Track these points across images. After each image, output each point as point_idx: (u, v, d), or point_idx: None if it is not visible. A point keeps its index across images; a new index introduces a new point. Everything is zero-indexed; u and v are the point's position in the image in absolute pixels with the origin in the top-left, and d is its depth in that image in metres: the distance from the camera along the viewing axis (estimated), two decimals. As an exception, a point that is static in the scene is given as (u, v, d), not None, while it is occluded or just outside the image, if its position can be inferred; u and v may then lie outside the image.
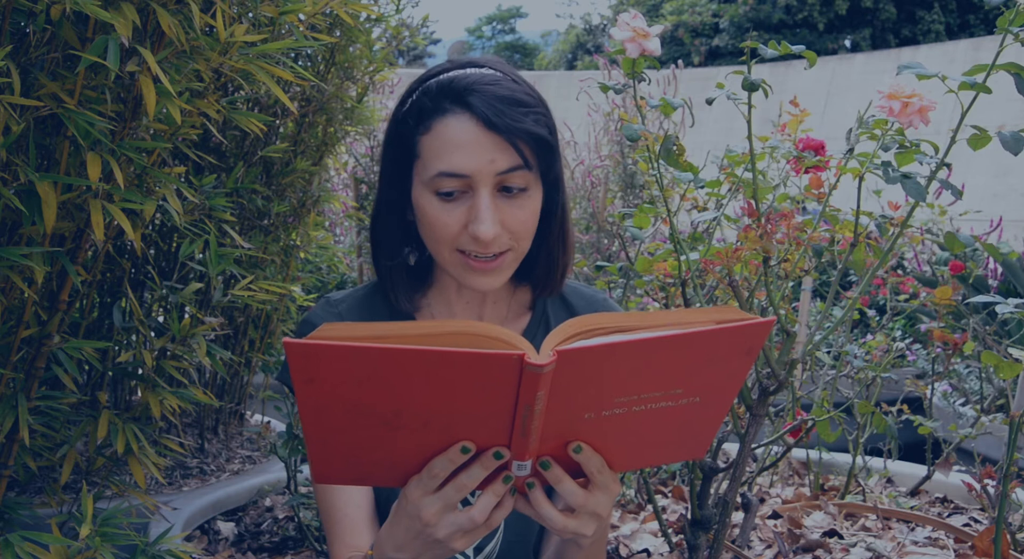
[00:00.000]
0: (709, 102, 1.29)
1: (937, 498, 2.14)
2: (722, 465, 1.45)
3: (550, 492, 0.85)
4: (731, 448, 2.20)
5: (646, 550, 1.78)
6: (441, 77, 1.00)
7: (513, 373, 0.70)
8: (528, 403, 0.72)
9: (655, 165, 1.36)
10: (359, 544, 1.04)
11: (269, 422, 2.42)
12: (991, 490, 1.73)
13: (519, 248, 1.01)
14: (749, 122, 1.28)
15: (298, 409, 0.74)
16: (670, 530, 1.78)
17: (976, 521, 1.93)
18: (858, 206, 1.30)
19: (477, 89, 0.96)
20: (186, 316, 1.44)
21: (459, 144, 0.95)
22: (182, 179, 1.55)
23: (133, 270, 1.86)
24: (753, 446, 1.43)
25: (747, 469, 1.72)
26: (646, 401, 0.77)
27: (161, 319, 1.80)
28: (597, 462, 0.81)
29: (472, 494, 0.82)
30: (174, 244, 1.96)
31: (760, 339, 0.77)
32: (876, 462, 2.28)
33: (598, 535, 0.89)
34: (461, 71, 0.99)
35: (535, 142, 0.97)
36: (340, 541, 1.05)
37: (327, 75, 2.06)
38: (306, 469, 1.91)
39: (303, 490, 1.89)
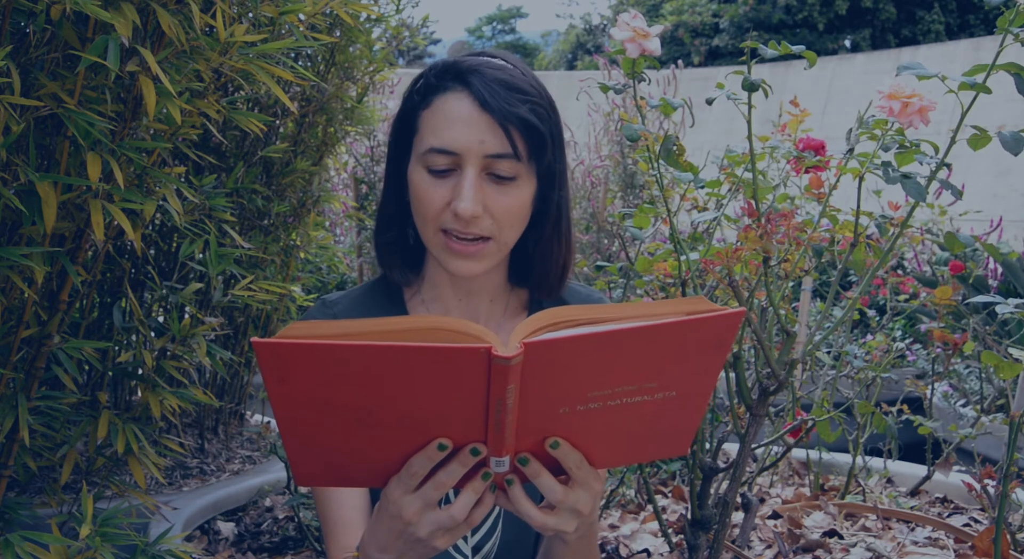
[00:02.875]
0: (709, 102, 1.29)
1: (937, 498, 2.14)
2: (722, 465, 1.46)
3: (538, 493, 0.85)
4: (731, 448, 2.20)
5: (646, 550, 1.78)
6: (450, 59, 1.03)
7: (481, 367, 0.70)
8: (500, 397, 0.71)
9: (655, 165, 1.36)
10: (355, 544, 1.04)
11: (269, 422, 2.42)
12: (991, 490, 1.73)
13: (502, 238, 1.01)
14: (749, 122, 1.28)
15: (273, 411, 0.74)
16: (670, 530, 1.79)
17: (976, 521, 1.93)
18: (858, 206, 1.30)
19: (479, 70, 0.99)
20: (186, 316, 1.44)
21: (453, 121, 0.97)
22: (182, 179, 1.55)
23: (133, 270, 1.86)
24: (753, 446, 1.43)
25: (747, 469, 1.72)
26: (621, 395, 0.77)
27: (161, 319, 1.80)
28: (575, 458, 0.81)
29: (454, 492, 0.82)
30: (174, 244, 1.96)
31: (731, 331, 0.77)
32: (876, 462, 2.28)
33: (583, 531, 0.89)
34: (472, 57, 1.02)
35: (527, 130, 0.98)
36: (335, 542, 1.05)
37: (327, 75, 2.06)
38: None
39: (303, 490, 1.89)
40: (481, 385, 0.71)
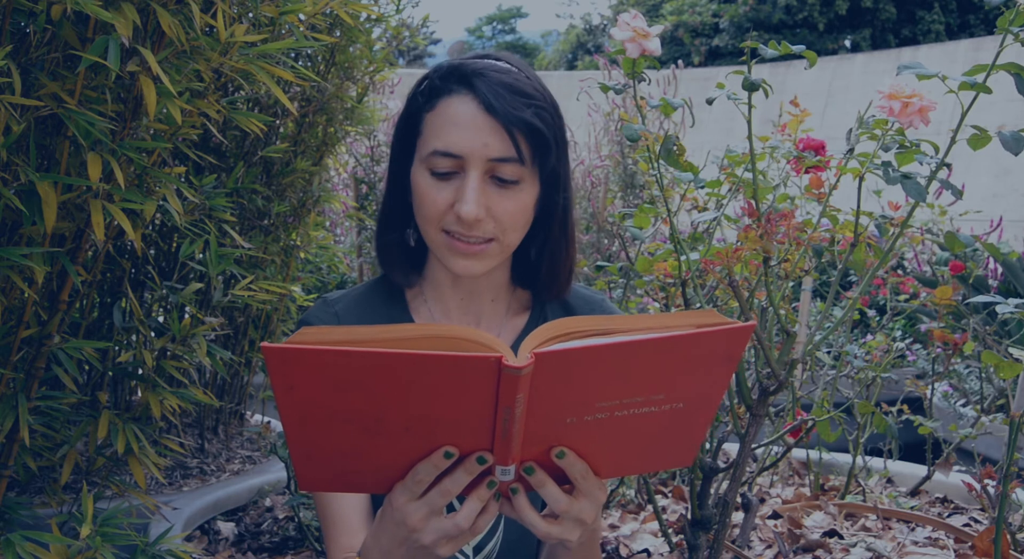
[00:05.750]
0: (709, 102, 1.29)
1: (937, 498, 2.14)
2: (722, 465, 1.46)
3: (541, 500, 0.85)
4: (731, 448, 2.20)
5: (646, 550, 1.78)
6: (455, 61, 1.02)
7: (491, 376, 0.69)
8: (508, 406, 0.71)
9: (655, 165, 1.36)
10: (355, 545, 1.04)
11: (269, 422, 2.42)
12: (991, 490, 1.74)
13: (505, 240, 1.01)
14: (749, 122, 1.28)
15: (280, 417, 0.74)
16: (670, 530, 1.79)
17: (976, 521, 1.93)
18: (858, 206, 1.30)
19: (484, 74, 0.99)
20: (186, 316, 1.44)
21: (457, 123, 0.97)
22: (182, 179, 1.55)
23: (133, 270, 1.86)
24: (753, 446, 1.43)
25: (747, 469, 1.72)
26: (628, 406, 0.76)
27: (161, 319, 1.80)
28: (581, 468, 0.81)
29: (458, 500, 0.82)
30: (174, 244, 1.96)
31: (740, 344, 0.76)
32: (876, 462, 2.28)
33: (585, 538, 0.89)
34: (476, 59, 1.02)
35: (531, 133, 0.98)
36: (336, 542, 1.05)
37: (327, 75, 2.07)
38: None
39: (303, 490, 1.89)
40: (490, 394, 0.71)
